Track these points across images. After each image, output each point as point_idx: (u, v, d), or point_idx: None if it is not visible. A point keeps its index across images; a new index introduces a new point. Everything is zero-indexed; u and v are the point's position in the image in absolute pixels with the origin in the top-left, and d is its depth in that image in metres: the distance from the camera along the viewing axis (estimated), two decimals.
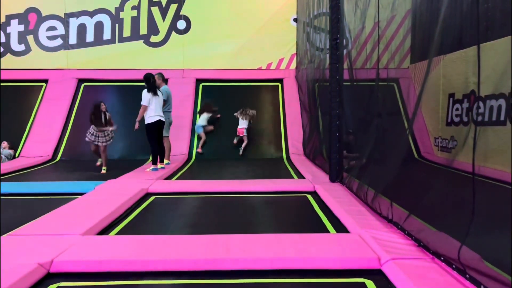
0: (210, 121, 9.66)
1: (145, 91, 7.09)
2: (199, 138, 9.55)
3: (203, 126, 9.54)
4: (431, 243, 3.04)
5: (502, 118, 6.24)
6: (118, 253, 3.19)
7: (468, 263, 2.59)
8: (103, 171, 7.48)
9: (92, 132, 7.49)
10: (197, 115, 9.82)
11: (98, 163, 7.69)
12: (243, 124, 9.48)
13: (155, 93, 7.14)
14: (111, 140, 7.66)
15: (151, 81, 7.21)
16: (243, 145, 9.45)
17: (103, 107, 7.55)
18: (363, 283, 2.80)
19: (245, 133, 9.43)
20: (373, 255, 3.07)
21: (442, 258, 2.87)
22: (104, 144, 7.52)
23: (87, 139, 7.52)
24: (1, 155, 8.83)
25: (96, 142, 7.48)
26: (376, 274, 2.90)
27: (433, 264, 2.87)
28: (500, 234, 2.58)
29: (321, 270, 2.98)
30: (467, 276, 2.57)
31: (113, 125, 7.67)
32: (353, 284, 2.81)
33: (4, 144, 9.26)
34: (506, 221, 2.46)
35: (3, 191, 5.61)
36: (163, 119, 7.28)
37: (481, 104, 6.43)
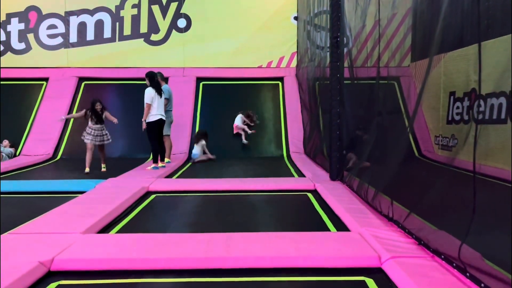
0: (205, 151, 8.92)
1: (148, 90, 7.04)
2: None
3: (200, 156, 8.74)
4: (432, 242, 3.04)
5: (503, 116, 6.23)
6: (119, 252, 3.19)
7: (468, 262, 2.59)
8: (103, 169, 7.43)
9: (89, 132, 7.28)
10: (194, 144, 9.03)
11: (87, 170, 7.18)
12: (238, 120, 9.65)
13: (159, 92, 7.12)
14: (110, 140, 7.50)
15: (156, 80, 7.19)
16: (248, 132, 9.63)
17: (98, 107, 7.29)
18: (363, 281, 2.80)
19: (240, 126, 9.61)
20: (373, 253, 3.07)
21: (442, 257, 2.87)
22: (103, 143, 7.39)
23: (85, 140, 7.29)
24: (2, 153, 8.84)
25: (95, 142, 7.28)
26: (377, 273, 2.90)
27: (433, 263, 2.87)
28: (501, 232, 2.57)
29: (322, 268, 2.98)
30: (468, 274, 2.57)
31: (112, 118, 7.42)
32: (353, 282, 2.81)
33: (5, 142, 9.27)
34: (507, 219, 2.46)
35: (4, 189, 5.62)
36: (164, 118, 7.27)
37: (481, 102, 6.41)
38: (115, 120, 7.43)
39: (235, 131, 9.65)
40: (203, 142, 8.77)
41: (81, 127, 7.56)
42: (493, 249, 2.64)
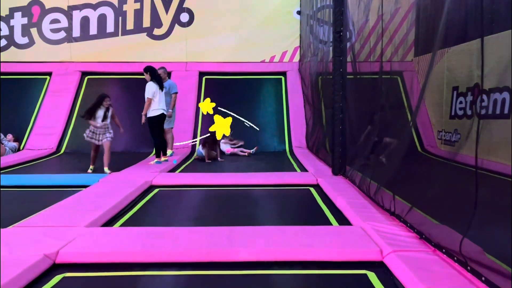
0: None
1: (150, 84, 7.03)
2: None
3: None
4: (433, 236, 3.06)
5: (506, 111, 6.22)
6: (123, 245, 3.23)
7: (469, 255, 2.60)
8: (108, 172, 6.60)
9: (93, 130, 6.68)
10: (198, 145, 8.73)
11: (91, 169, 6.78)
12: (226, 146, 8.82)
13: (161, 87, 7.13)
14: (112, 137, 6.82)
15: (157, 74, 7.19)
16: (251, 151, 8.80)
17: (106, 102, 6.69)
18: (365, 274, 2.83)
19: (230, 151, 8.79)
20: (375, 247, 3.10)
21: (443, 251, 2.88)
22: (107, 140, 6.71)
23: (87, 138, 6.72)
24: (6, 147, 8.89)
25: (97, 142, 6.69)
26: (378, 266, 2.92)
27: (434, 256, 2.89)
28: (502, 226, 2.59)
29: (324, 261, 3.01)
30: (468, 268, 2.58)
31: (115, 118, 6.88)
32: (355, 276, 2.84)
33: (9, 136, 9.31)
34: (508, 214, 2.47)
35: (9, 183, 5.66)
36: (166, 112, 7.29)
37: (485, 97, 6.39)
38: (121, 129, 6.99)
39: (228, 152, 8.82)
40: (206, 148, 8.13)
41: (84, 121, 7.51)
42: (494, 243, 2.66)
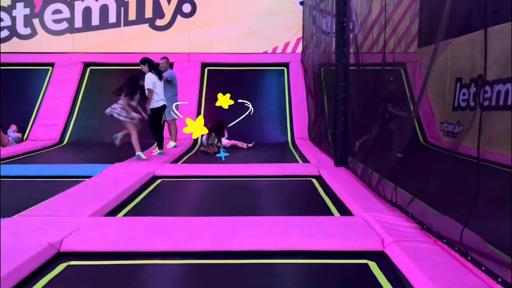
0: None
1: (149, 75, 6.98)
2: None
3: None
4: (434, 226, 3.07)
5: (509, 102, 6.20)
6: (126, 234, 3.26)
7: (470, 245, 2.62)
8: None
9: (121, 106, 6.46)
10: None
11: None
12: (225, 141, 8.52)
13: (160, 77, 7.12)
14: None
15: (155, 65, 7.18)
16: (245, 146, 8.57)
17: (141, 82, 6.69)
18: (366, 264, 2.85)
19: (230, 143, 8.52)
20: (376, 237, 3.12)
21: (444, 241, 2.90)
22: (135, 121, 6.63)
23: (118, 116, 6.46)
24: (10, 138, 8.93)
25: (134, 120, 6.55)
26: (379, 256, 2.94)
27: (435, 246, 2.91)
28: (502, 216, 2.60)
29: (325, 251, 3.03)
30: (469, 257, 2.60)
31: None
32: (357, 265, 2.86)
33: (13, 127, 9.36)
34: (508, 204, 2.48)
35: (12, 173, 5.70)
36: (166, 103, 7.28)
37: (488, 88, 6.37)
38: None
39: (228, 145, 8.56)
40: (213, 136, 8.02)
41: (87, 112, 7.52)
42: (495, 233, 2.67)
